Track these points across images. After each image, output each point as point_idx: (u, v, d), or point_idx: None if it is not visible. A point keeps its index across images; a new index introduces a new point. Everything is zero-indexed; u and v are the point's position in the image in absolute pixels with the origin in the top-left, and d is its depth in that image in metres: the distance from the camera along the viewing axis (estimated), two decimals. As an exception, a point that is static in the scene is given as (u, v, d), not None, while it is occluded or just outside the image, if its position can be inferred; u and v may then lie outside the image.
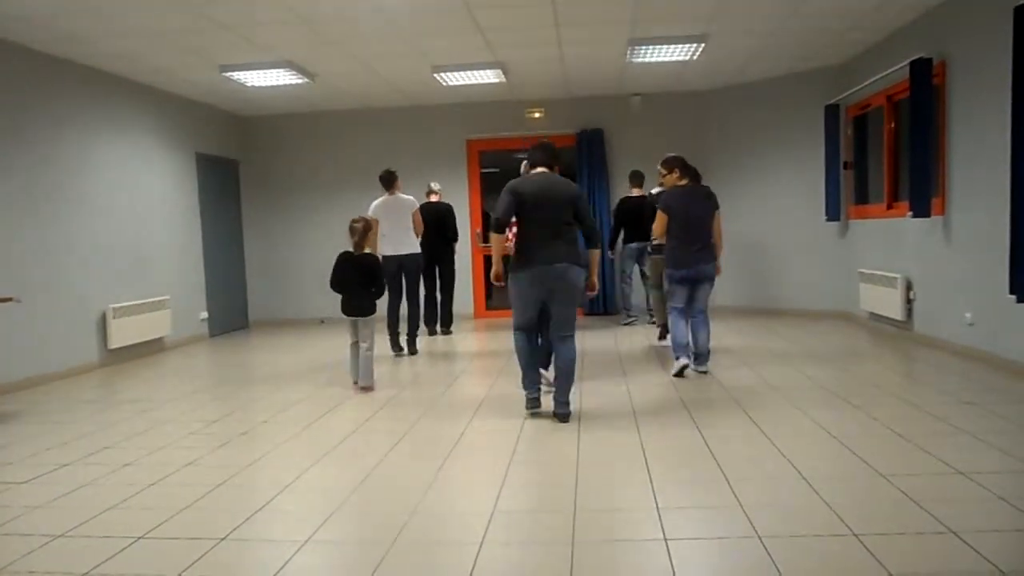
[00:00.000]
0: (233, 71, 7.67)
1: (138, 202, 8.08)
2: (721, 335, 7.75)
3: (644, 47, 7.35)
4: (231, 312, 10.07)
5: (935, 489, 3.22)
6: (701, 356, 5.90)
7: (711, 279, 5.83)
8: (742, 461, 3.73)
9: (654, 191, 7.39)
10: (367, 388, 5.80)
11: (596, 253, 4.76)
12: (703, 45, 7.33)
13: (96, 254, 7.37)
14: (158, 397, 5.84)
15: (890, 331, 7.46)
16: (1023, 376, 5.24)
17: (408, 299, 7.49)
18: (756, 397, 5.07)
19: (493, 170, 11.10)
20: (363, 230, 5.80)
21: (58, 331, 6.83)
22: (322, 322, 10.43)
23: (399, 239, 7.31)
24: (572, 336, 4.64)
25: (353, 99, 9.60)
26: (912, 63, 6.44)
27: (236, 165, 10.38)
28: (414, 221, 7.34)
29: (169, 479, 3.79)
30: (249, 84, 8.23)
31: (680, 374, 5.78)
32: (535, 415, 4.74)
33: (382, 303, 6.32)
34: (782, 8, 6.35)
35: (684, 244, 5.72)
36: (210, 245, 9.52)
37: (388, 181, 7.41)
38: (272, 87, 8.47)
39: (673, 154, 6.13)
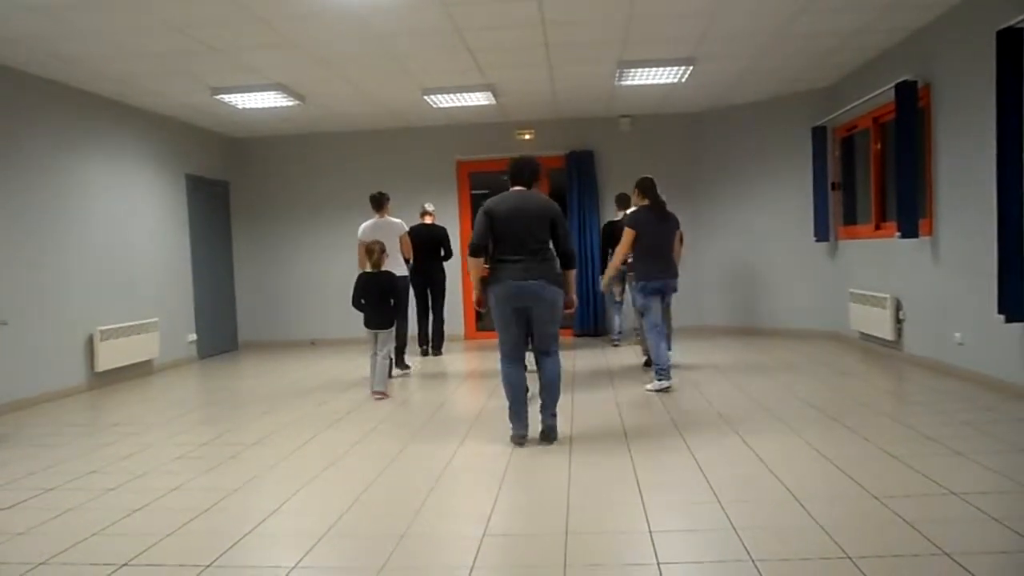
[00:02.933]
0: (224, 93, 7.68)
1: (126, 223, 8.05)
2: (711, 355, 7.75)
3: (633, 69, 7.41)
4: (220, 334, 10.01)
5: (928, 510, 3.21)
6: (665, 371, 6.14)
7: (674, 291, 6.23)
8: (734, 483, 3.71)
9: (628, 212, 7.44)
10: (381, 394, 6.28)
11: (571, 273, 4.66)
12: (691, 68, 7.39)
13: (84, 275, 7.32)
14: (145, 421, 5.78)
15: (880, 351, 7.47)
16: (1013, 395, 5.25)
17: (396, 320, 7.47)
18: (747, 418, 5.05)
19: (483, 191, 11.10)
20: (380, 251, 6.40)
21: (44, 353, 6.76)
22: (312, 343, 10.37)
23: (389, 261, 7.30)
24: (555, 352, 4.61)
25: (343, 121, 9.62)
26: (897, 86, 6.50)
27: (226, 186, 10.37)
28: (402, 244, 7.33)
29: (155, 504, 3.73)
30: (240, 106, 8.24)
31: (662, 391, 5.96)
32: (520, 444, 4.61)
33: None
34: (769, 31, 6.42)
35: (654, 258, 6.04)
36: (199, 266, 9.47)
37: (378, 203, 7.43)
38: (262, 109, 8.48)
39: (643, 176, 6.34)
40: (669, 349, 6.15)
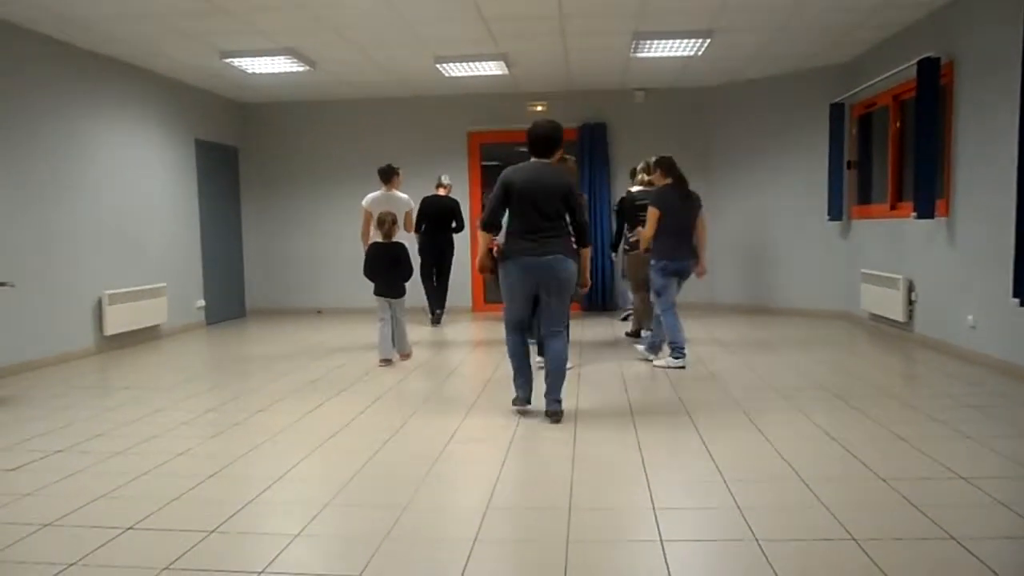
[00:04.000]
0: (234, 57, 7.61)
1: (136, 188, 8.03)
2: (720, 333, 7.72)
3: (649, 41, 7.29)
4: (228, 301, 10.02)
5: (936, 494, 3.18)
6: (655, 346, 6.22)
7: (689, 273, 6.13)
8: (740, 462, 3.69)
9: (633, 189, 7.37)
10: (405, 355, 6.58)
11: (586, 251, 4.60)
12: (708, 41, 7.27)
13: (92, 240, 7.32)
14: (152, 385, 5.80)
15: (891, 332, 7.41)
16: (1024, 380, 5.21)
17: None
18: (754, 397, 5.03)
19: (495, 163, 11.03)
20: (391, 222, 6.45)
21: (53, 317, 6.78)
22: (319, 312, 10.38)
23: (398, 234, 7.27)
24: (562, 332, 4.56)
25: (354, 88, 9.53)
26: (919, 62, 6.38)
27: (235, 152, 10.32)
28: (405, 220, 7.22)
29: (160, 469, 3.75)
30: (249, 71, 8.16)
31: (678, 368, 5.96)
32: (523, 413, 4.65)
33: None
34: (788, 5, 6.29)
35: (676, 238, 5.95)
36: (208, 232, 9.46)
37: (386, 176, 7.26)
38: (273, 74, 8.40)
39: (662, 155, 6.21)
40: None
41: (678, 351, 5.95)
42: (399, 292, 6.48)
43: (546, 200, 4.37)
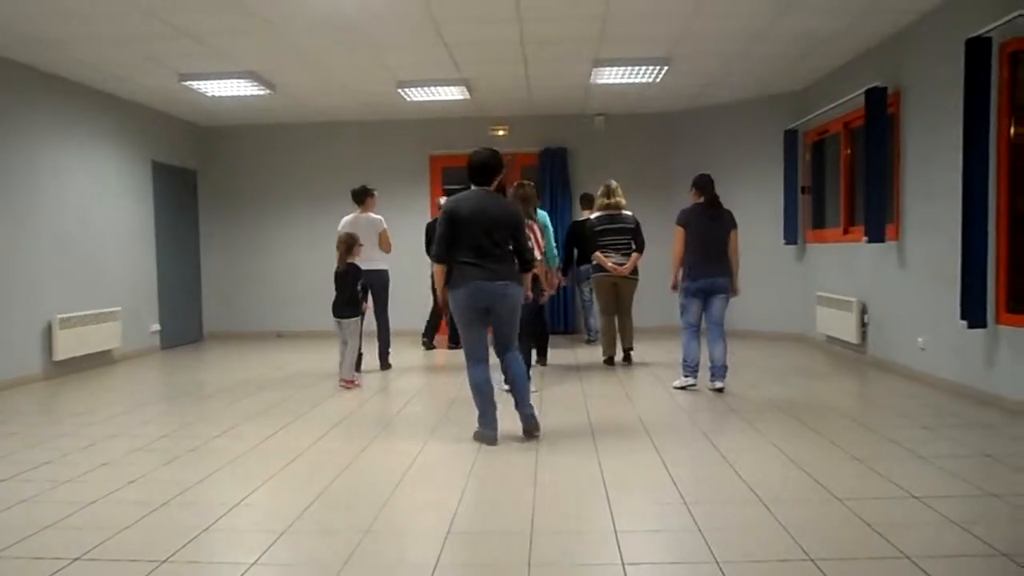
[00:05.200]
0: (193, 80, 7.55)
1: (90, 210, 7.88)
2: (677, 354, 7.77)
3: (608, 68, 7.40)
4: (185, 324, 9.85)
5: (890, 513, 3.23)
6: (717, 371, 5.96)
7: (724, 292, 5.95)
8: (700, 483, 3.71)
9: (593, 215, 7.42)
10: (348, 382, 6.44)
11: (527, 276, 4.79)
12: (666, 68, 7.41)
13: (43, 262, 7.15)
14: (104, 411, 5.66)
15: (846, 354, 7.55)
16: (974, 401, 5.33)
17: (376, 316, 7.33)
18: (713, 418, 5.07)
19: (457, 187, 11.05)
20: (344, 244, 6.49)
21: (0, 340, 6.59)
22: (279, 336, 10.25)
23: (365, 256, 7.22)
24: (516, 348, 4.65)
25: (315, 112, 9.51)
26: (867, 91, 6.57)
27: (194, 175, 10.20)
28: (381, 240, 7.21)
29: (111, 497, 3.64)
30: (209, 93, 8.10)
31: (683, 388, 5.96)
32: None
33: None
34: (745, 34, 6.45)
35: (699, 257, 5.91)
36: (164, 255, 9.31)
37: (359, 198, 7.26)
38: (232, 97, 8.34)
39: (700, 173, 6.22)
40: (724, 355, 5.95)
41: (687, 368, 5.98)
42: (343, 313, 6.44)
43: (493, 229, 4.42)
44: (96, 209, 7.99)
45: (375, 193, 7.42)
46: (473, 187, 4.58)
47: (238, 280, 10.43)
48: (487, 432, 4.54)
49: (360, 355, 6.87)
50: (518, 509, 3.39)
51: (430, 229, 8.31)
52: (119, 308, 8.16)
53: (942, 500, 3.37)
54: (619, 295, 7.33)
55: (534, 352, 6.92)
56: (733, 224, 6.01)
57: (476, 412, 4.60)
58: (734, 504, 3.41)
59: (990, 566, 2.72)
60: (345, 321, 6.43)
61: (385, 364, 7.40)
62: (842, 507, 3.31)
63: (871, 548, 2.87)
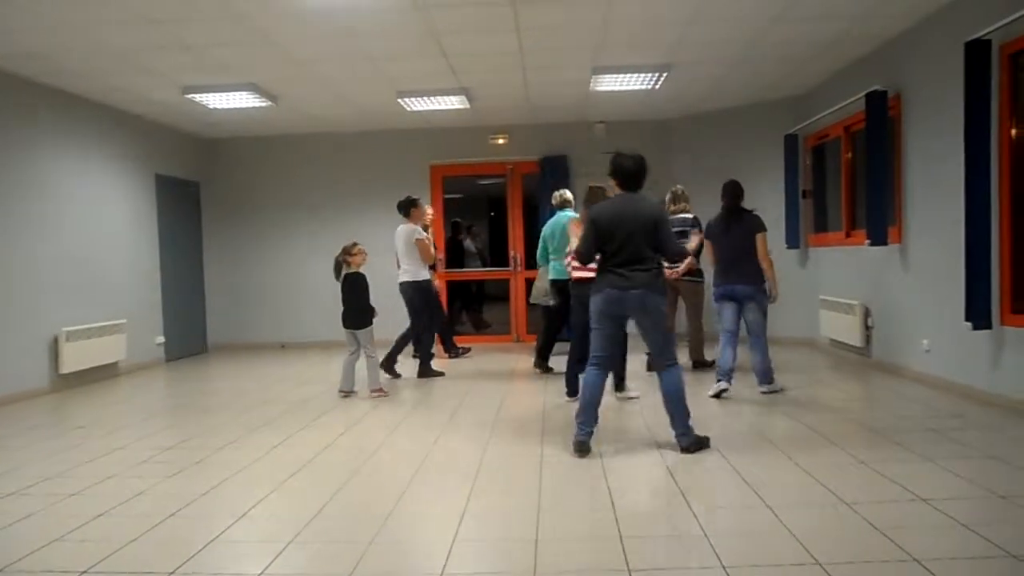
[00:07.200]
0: (195, 92, 7.58)
1: (94, 223, 7.90)
2: (684, 360, 7.75)
3: (608, 75, 7.42)
4: (189, 336, 9.86)
5: (898, 516, 3.23)
6: (757, 376, 6.00)
7: (749, 299, 5.93)
8: (705, 488, 3.71)
9: None
10: (375, 391, 6.44)
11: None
12: (666, 74, 7.42)
13: (49, 276, 7.17)
14: (110, 424, 5.66)
15: (850, 358, 7.54)
16: (980, 402, 5.31)
17: (411, 325, 7.47)
18: (718, 424, 5.06)
19: (456, 195, 11.10)
20: (345, 252, 6.50)
21: (7, 354, 6.61)
22: (283, 347, 10.26)
23: (403, 267, 7.33)
24: (673, 363, 4.45)
25: (316, 122, 9.54)
26: (868, 95, 6.57)
27: (197, 187, 10.23)
28: (420, 249, 7.18)
29: (117, 510, 3.65)
30: (211, 106, 8.13)
31: (717, 396, 5.90)
32: (582, 453, 4.39)
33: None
34: (744, 39, 6.46)
35: (717, 265, 6.13)
36: (168, 267, 9.33)
37: (403, 209, 7.40)
38: (235, 109, 8.38)
39: (730, 179, 6.33)
40: (761, 362, 5.95)
41: (720, 373, 5.97)
42: (353, 323, 6.44)
43: (632, 234, 4.35)
44: (100, 222, 8.01)
45: (419, 203, 7.45)
46: (619, 192, 4.59)
47: (241, 292, 10.44)
48: (578, 435, 4.42)
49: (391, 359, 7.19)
50: (523, 515, 3.38)
51: None
52: (124, 320, 8.18)
53: (948, 502, 3.36)
54: (679, 299, 7.29)
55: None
56: (757, 229, 5.99)
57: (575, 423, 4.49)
58: (740, 509, 3.40)
59: (998, 567, 2.71)
60: (352, 332, 6.45)
61: (429, 371, 7.45)
62: (849, 510, 3.30)
63: (879, 551, 2.86)
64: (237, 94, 7.67)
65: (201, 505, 3.70)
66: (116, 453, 4.76)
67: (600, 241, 4.43)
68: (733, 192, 6.14)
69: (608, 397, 6.07)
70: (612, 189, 4.75)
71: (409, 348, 7.63)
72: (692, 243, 6.96)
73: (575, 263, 5.39)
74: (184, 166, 9.85)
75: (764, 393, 5.94)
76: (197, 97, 7.73)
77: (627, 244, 4.34)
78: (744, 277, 5.92)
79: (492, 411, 5.69)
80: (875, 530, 3.06)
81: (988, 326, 5.17)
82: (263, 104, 8.10)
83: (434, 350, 7.79)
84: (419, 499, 3.71)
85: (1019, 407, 4.97)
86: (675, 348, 4.57)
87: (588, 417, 4.45)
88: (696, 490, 3.67)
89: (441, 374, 7.47)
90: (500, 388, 6.70)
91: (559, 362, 7.02)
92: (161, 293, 9.17)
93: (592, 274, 5.51)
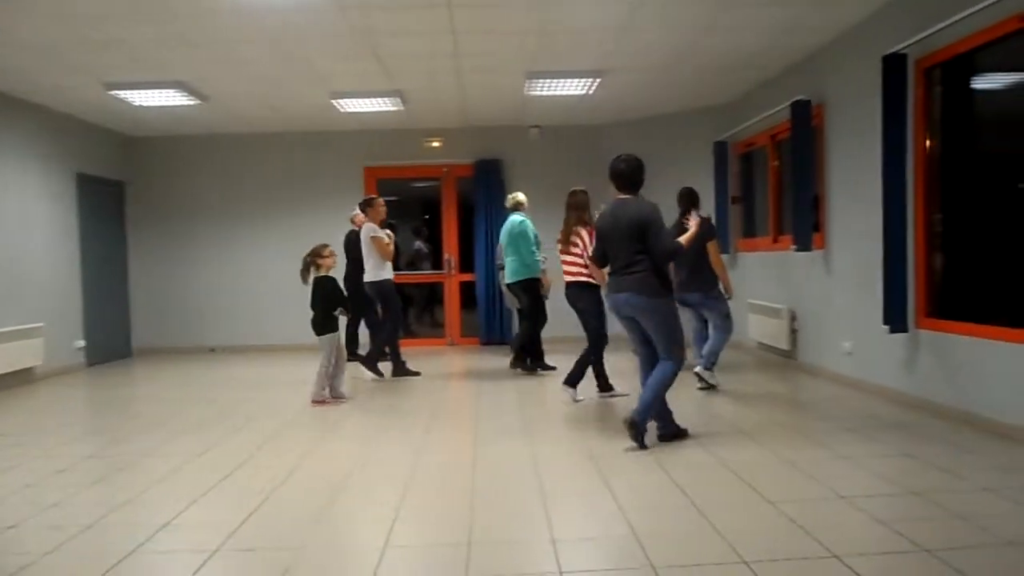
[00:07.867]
0: (120, 89, 7.34)
1: (8, 222, 7.57)
2: (611, 365, 7.86)
3: (542, 80, 7.47)
4: (112, 340, 9.53)
5: (819, 514, 3.33)
6: (704, 358, 6.38)
7: (702, 304, 6.41)
8: (635, 489, 3.76)
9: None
10: (316, 401, 6.17)
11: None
12: (600, 80, 7.51)
13: (-41, 278, 6.84)
14: (24, 431, 5.43)
15: (777, 360, 7.75)
16: (897, 403, 5.52)
17: (368, 325, 7.81)
18: (648, 426, 5.13)
19: (391, 198, 10.98)
20: (314, 255, 6.27)
21: (-88, 361, 6.29)
22: (212, 351, 10.01)
23: (366, 267, 7.27)
24: (669, 357, 4.60)
25: (248, 123, 9.35)
26: (793, 104, 6.78)
27: (121, 186, 9.90)
28: (376, 247, 7.07)
29: (32, 520, 3.50)
30: (136, 103, 7.89)
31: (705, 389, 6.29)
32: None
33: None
34: (675, 48, 6.59)
35: (678, 274, 6.22)
36: (90, 269, 9.00)
37: (361, 208, 7.47)
38: (162, 107, 8.14)
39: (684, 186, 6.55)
40: (713, 343, 6.34)
41: (696, 356, 6.41)
42: (318, 329, 6.26)
43: (619, 238, 4.56)
44: (15, 222, 7.68)
45: (374, 201, 7.35)
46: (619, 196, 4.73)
47: (169, 294, 10.14)
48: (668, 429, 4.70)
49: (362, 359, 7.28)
50: (456, 519, 3.37)
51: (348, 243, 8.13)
52: (41, 324, 7.85)
53: (866, 499, 3.48)
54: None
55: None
56: (707, 235, 6.18)
57: None
58: (668, 509, 3.46)
59: (914, 562, 2.81)
60: (318, 338, 6.27)
61: (405, 370, 7.46)
62: (773, 509, 3.39)
63: (801, 548, 2.95)
64: (163, 91, 7.47)
65: (122, 514, 3.58)
66: (32, 462, 4.56)
67: (603, 246, 4.79)
68: (690, 199, 6.35)
69: (536, 396, 6.11)
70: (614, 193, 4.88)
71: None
72: None
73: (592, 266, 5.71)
74: (108, 165, 9.53)
75: (698, 375, 6.28)
76: (120, 94, 7.49)
77: (619, 249, 4.57)
78: (693, 285, 6.30)
79: (491, 411, 5.67)
80: (798, 527, 3.15)
81: (904, 330, 5.39)
82: (191, 103, 7.90)
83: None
84: (351, 501, 3.67)
85: (933, 407, 5.18)
86: (679, 350, 4.65)
87: (658, 411, 4.67)
88: (623, 490, 3.71)
89: (417, 374, 7.46)
90: (476, 389, 6.66)
91: (561, 362, 7.05)
92: (82, 295, 8.84)
93: (585, 278, 5.95)
